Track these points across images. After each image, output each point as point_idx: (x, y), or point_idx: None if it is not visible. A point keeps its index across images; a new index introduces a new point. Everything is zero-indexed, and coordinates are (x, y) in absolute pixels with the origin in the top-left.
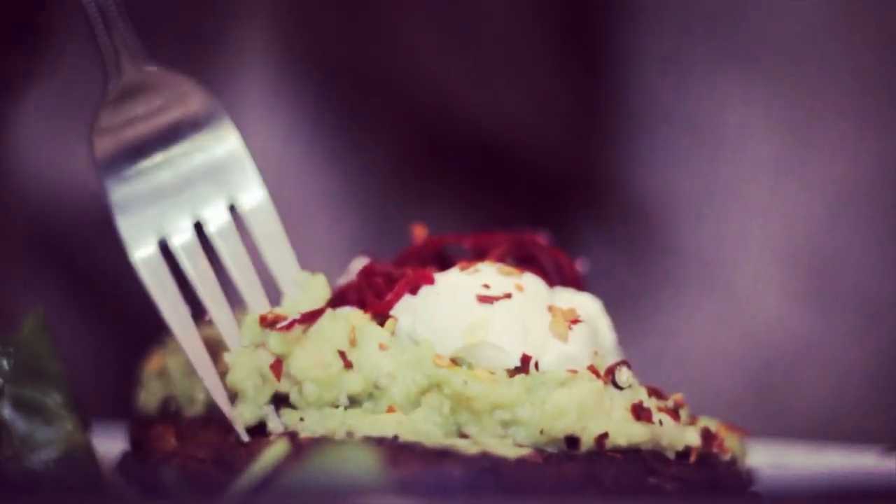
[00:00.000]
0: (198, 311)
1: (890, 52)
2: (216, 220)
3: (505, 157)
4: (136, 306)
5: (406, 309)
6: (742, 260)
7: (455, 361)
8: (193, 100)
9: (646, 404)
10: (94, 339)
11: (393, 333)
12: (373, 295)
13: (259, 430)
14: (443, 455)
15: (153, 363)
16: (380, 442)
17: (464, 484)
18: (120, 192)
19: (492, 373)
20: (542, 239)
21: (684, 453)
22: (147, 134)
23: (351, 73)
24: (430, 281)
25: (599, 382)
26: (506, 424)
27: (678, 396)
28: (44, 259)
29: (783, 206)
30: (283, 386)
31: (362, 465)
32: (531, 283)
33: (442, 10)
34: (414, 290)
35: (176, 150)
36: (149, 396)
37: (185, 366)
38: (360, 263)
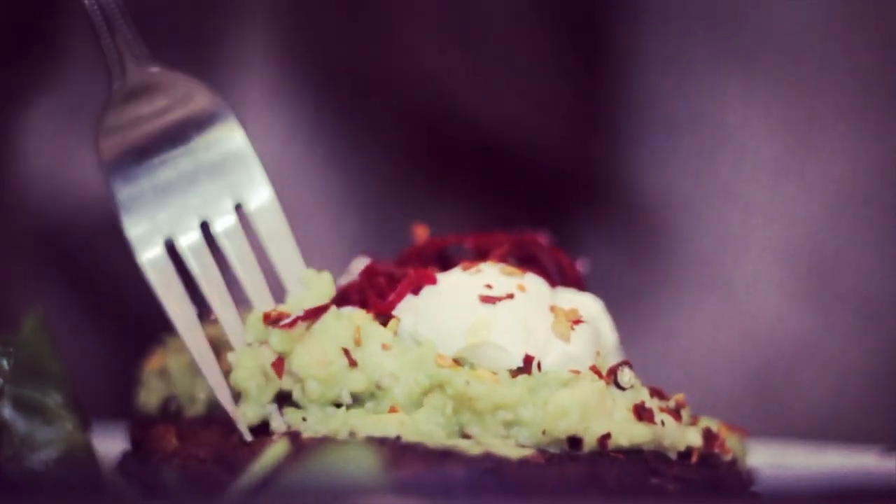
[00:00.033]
0: (203, 311)
1: (890, 52)
2: (222, 219)
3: (505, 157)
4: (137, 306)
5: (408, 309)
6: (742, 260)
7: (457, 362)
8: (198, 99)
9: (648, 405)
10: (94, 339)
11: (395, 333)
12: (375, 295)
13: (262, 430)
14: (445, 456)
15: (153, 363)
16: (382, 442)
17: (466, 485)
18: (126, 193)
19: (494, 373)
20: (542, 239)
21: (686, 454)
22: (152, 134)
23: (351, 73)
24: (433, 281)
25: (602, 383)
26: (508, 425)
27: (680, 397)
28: (44, 259)
29: (783, 206)
30: (286, 384)
31: (364, 465)
32: (533, 283)
33: (442, 10)
34: (416, 290)
35: (181, 149)
36: (149, 396)
37: (185, 365)
38: (360, 263)
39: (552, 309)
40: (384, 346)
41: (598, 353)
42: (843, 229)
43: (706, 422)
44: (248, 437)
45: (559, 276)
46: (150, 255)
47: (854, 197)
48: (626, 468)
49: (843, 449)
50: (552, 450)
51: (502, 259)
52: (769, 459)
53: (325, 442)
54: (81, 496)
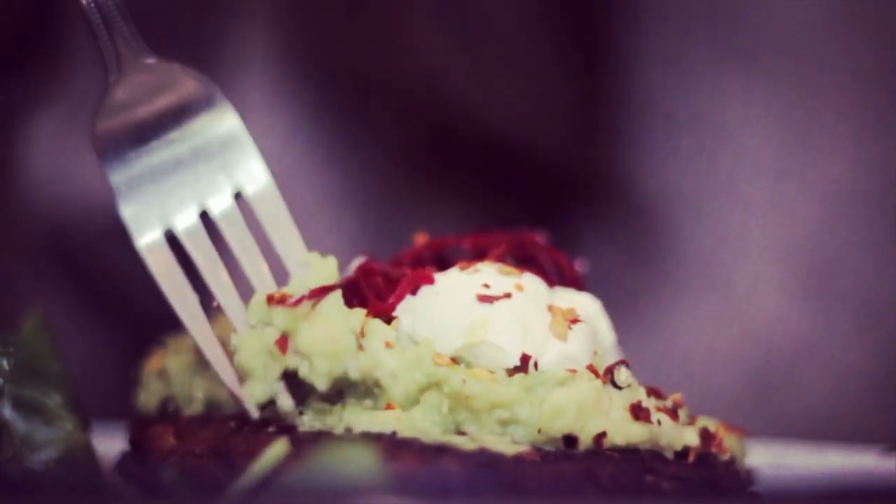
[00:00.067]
0: (205, 300)
1: (890, 52)
2: (219, 203)
3: (505, 156)
4: (137, 307)
5: (406, 309)
6: (742, 260)
7: (455, 361)
8: (192, 87)
9: (644, 404)
10: (95, 340)
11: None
12: (373, 295)
13: (258, 425)
14: (441, 451)
15: (153, 363)
16: (378, 438)
17: (461, 480)
18: (122, 179)
19: (491, 372)
20: (541, 239)
21: (683, 453)
22: (147, 121)
23: (351, 73)
24: (430, 281)
25: (598, 382)
26: (504, 423)
27: (677, 396)
28: (44, 259)
29: (783, 206)
30: (292, 361)
31: (361, 462)
32: (531, 282)
33: (442, 10)
34: (414, 291)
35: (177, 137)
36: (148, 396)
37: (184, 366)
38: (360, 264)
39: (549, 308)
40: (387, 345)
41: (595, 353)
42: (843, 229)
43: (704, 421)
44: (256, 414)
45: (557, 276)
46: (147, 240)
47: (854, 197)
48: (622, 466)
49: (843, 449)
50: (548, 448)
51: (500, 259)
52: (769, 459)
53: (322, 438)
54: (81, 496)
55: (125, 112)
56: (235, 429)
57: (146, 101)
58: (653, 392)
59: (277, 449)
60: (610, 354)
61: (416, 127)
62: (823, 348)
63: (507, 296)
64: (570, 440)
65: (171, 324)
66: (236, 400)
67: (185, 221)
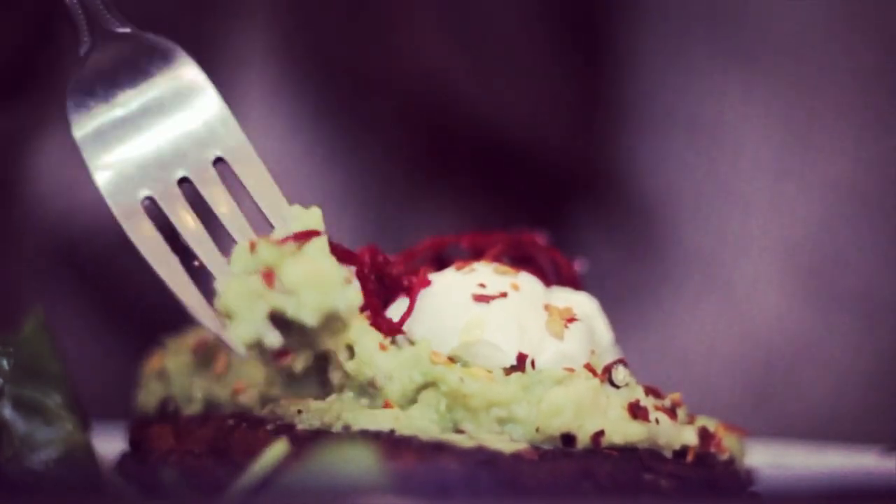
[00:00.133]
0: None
1: (890, 52)
2: (197, 165)
3: (505, 156)
4: (137, 307)
5: (402, 309)
6: (742, 260)
7: (452, 360)
8: (161, 55)
9: (642, 403)
10: (95, 340)
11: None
12: (369, 294)
13: (255, 424)
14: (439, 448)
15: (152, 364)
16: (376, 436)
17: (460, 478)
18: (96, 152)
19: (488, 371)
20: (541, 239)
21: (681, 452)
22: (118, 94)
23: (351, 73)
24: (426, 283)
25: (596, 381)
26: (502, 422)
27: (675, 396)
28: (45, 259)
29: (783, 206)
30: (278, 301)
31: (360, 460)
32: (527, 282)
33: (442, 10)
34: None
35: (148, 102)
36: (148, 397)
37: (183, 366)
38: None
39: (546, 307)
40: (381, 347)
41: (592, 352)
42: (843, 229)
43: (703, 421)
44: (243, 353)
45: (555, 276)
46: (124, 206)
47: (854, 197)
48: (620, 465)
49: (843, 449)
50: (546, 446)
51: (496, 258)
52: (769, 459)
53: (320, 436)
54: (81, 496)
55: (96, 84)
56: (234, 427)
57: (116, 71)
58: (651, 391)
59: (276, 448)
60: (607, 353)
61: (416, 127)
62: (823, 348)
63: (504, 295)
64: (568, 439)
65: (171, 324)
66: (223, 343)
67: (162, 185)
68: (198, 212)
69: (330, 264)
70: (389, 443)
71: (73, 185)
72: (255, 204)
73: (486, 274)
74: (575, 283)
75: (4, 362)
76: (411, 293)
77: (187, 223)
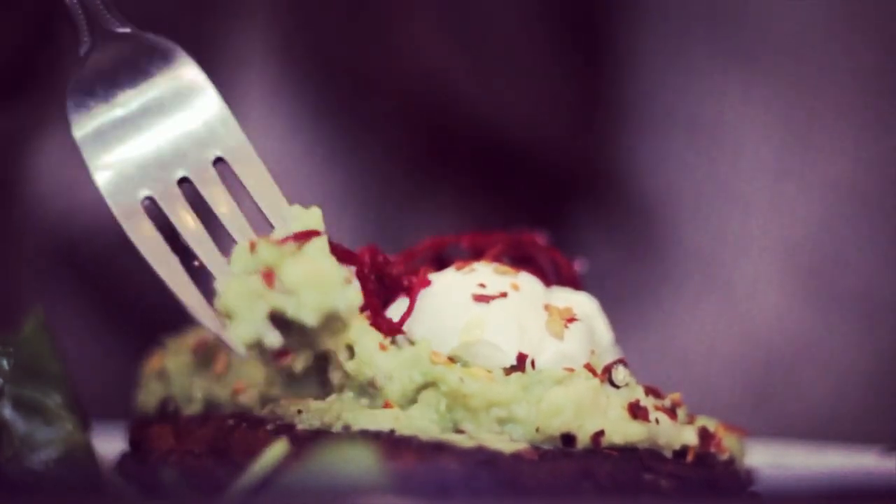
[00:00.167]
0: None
1: (890, 53)
2: (197, 165)
3: (505, 156)
4: (137, 307)
5: (402, 309)
6: (742, 260)
7: (452, 360)
8: (162, 55)
9: (642, 403)
10: (95, 340)
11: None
12: (369, 295)
13: (255, 424)
14: (439, 448)
15: (152, 364)
16: (376, 436)
17: (460, 478)
18: (96, 152)
19: (488, 371)
20: (541, 239)
21: (681, 452)
22: (118, 94)
23: (351, 73)
24: (426, 283)
25: (596, 381)
26: (502, 422)
27: (675, 396)
28: (45, 259)
29: (783, 206)
30: (278, 300)
31: (360, 460)
32: (527, 282)
33: (442, 10)
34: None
35: (148, 103)
36: (148, 397)
37: (183, 366)
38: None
39: (546, 307)
40: (382, 347)
41: (592, 352)
42: (843, 229)
43: (703, 421)
44: (243, 352)
45: (555, 276)
46: (124, 206)
47: (854, 197)
48: (620, 465)
49: (843, 449)
50: (546, 446)
51: (496, 258)
52: (769, 459)
53: (320, 436)
54: (81, 496)
55: (96, 84)
56: (234, 426)
57: (116, 71)
58: (651, 391)
59: (276, 448)
60: (607, 353)
61: (416, 127)
62: (823, 348)
63: (503, 295)
64: (568, 439)
65: (171, 324)
66: (223, 343)
67: (162, 185)
68: (198, 212)
69: (330, 264)
70: (389, 443)
71: (73, 185)
72: (255, 204)
73: (486, 274)
74: (575, 283)
75: (4, 362)
76: (411, 293)
77: (187, 223)
